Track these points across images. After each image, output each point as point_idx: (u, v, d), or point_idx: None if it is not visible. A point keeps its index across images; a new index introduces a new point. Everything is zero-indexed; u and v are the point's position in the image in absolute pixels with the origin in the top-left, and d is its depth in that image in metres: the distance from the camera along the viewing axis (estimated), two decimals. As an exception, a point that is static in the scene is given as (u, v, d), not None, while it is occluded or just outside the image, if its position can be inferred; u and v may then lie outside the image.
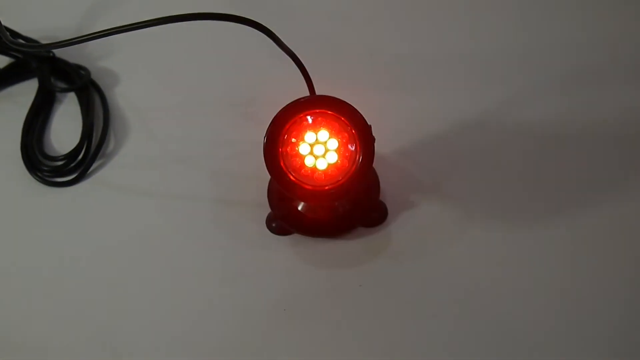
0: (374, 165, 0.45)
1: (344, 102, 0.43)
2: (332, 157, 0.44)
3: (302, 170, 0.44)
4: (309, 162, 0.44)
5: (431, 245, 0.49)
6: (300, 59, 0.47)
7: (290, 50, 0.46)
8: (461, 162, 0.53)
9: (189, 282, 0.48)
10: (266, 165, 0.44)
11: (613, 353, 0.44)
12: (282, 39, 0.46)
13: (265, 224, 0.49)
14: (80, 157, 0.54)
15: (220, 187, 0.52)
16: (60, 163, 0.53)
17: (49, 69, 0.58)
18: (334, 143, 0.44)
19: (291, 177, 0.44)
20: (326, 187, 0.44)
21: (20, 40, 0.59)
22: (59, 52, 0.59)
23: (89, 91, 0.57)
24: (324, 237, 0.49)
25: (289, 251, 0.49)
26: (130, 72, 0.60)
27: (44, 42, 0.60)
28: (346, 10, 0.63)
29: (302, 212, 0.48)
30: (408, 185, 0.51)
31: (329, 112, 0.43)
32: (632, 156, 0.53)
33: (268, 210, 0.49)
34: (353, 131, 0.43)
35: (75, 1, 0.65)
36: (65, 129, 0.56)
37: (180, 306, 0.47)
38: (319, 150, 0.44)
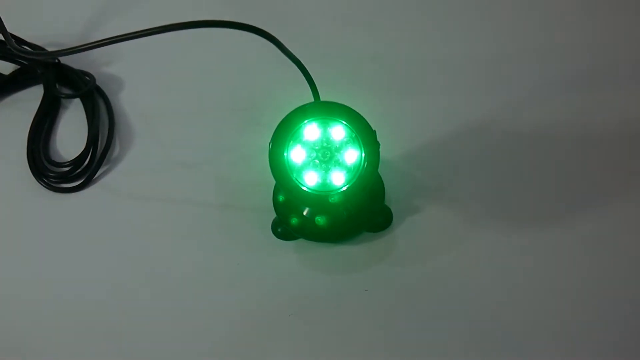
0: (379, 170, 0.45)
1: (349, 107, 0.43)
2: (337, 163, 0.44)
3: (307, 176, 0.44)
4: (314, 167, 0.44)
5: (436, 249, 0.49)
6: (305, 65, 0.47)
7: (294, 56, 0.46)
8: (466, 167, 0.53)
9: (194, 287, 0.48)
10: (271, 170, 0.44)
11: (615, 355, 0.44)
12: (286, 45, 0.46)
13: (270, 229, 0.49)
14: (86, 163, 0.54)
15: (226, 192, 0.52)
16: (66, 169, 0.53)
17: (54, 76, 0.57)
18: (339, 148, 0.44)
19: (296, 182, 0.44)
20: (331, 192, 0.44)
21: (26, 48, 0.59)
22: (63, 59, 0.59)
23: (94, 97, 0.57)
24: (329, 242, 0.49)
25: (294, 256, 0.49)
26: (135, 78, 0.60)
27: (48, 48, 0.60)
28: (349, 14, 0.64)
29: (307, 217, 0.48)
30: (413, 190, 0.51)
31: (334, 117, 0.44)
32: (635, 159, 0.53)
33: (273, 215, 0.49)
34: (358, 136, 0.44)
35: (80, 7, 0.65)
36: (70, 135, 0.56)
37: (185, 311, 0.47)
38: (324, 155, 0.44)
